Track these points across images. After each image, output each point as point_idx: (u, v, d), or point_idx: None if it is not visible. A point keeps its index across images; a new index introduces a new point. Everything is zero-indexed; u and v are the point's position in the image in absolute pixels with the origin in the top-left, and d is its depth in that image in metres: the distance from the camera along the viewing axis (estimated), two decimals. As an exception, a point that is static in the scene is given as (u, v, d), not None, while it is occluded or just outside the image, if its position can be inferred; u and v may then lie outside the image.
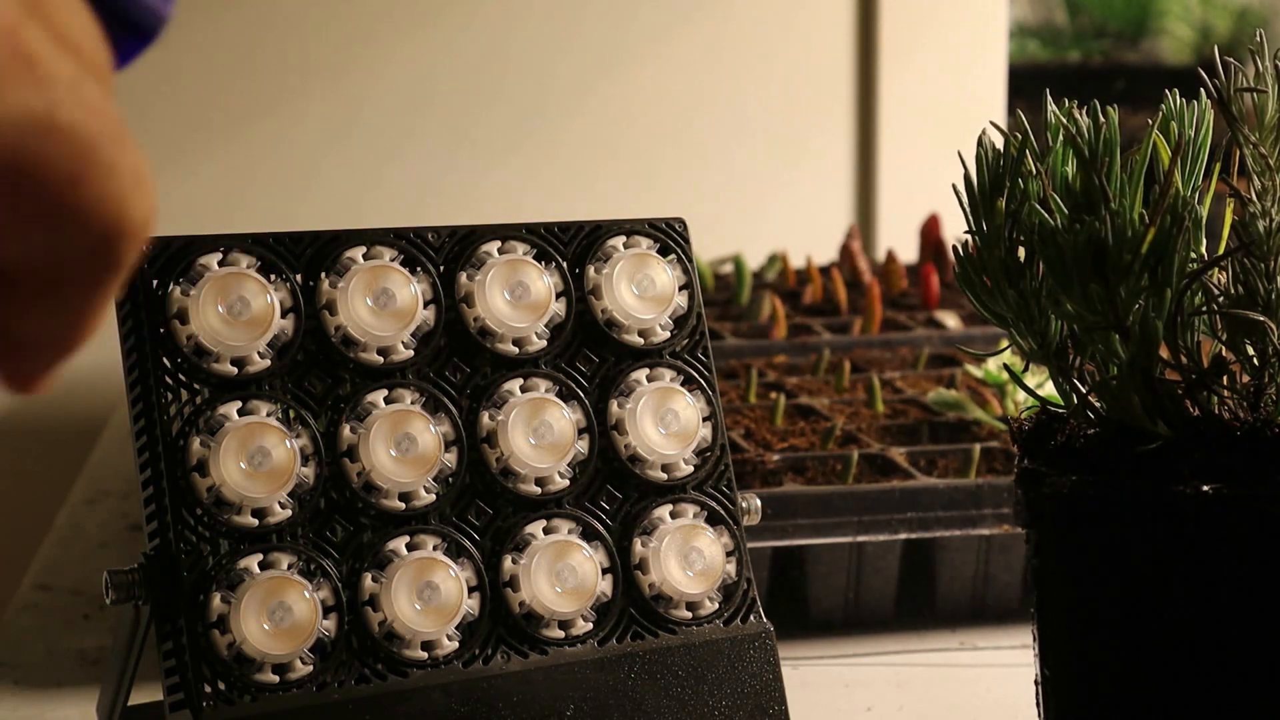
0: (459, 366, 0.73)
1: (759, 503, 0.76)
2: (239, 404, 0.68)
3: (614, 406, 0.74)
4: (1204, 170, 0.63)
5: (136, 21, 0.41)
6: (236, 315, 0.68)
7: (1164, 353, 0.62)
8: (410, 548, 0.69)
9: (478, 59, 1.74)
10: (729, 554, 0.75)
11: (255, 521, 0.67)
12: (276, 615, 0.66)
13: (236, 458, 0.67)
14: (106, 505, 1.25)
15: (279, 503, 0.67)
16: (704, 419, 0.76)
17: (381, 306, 0.71)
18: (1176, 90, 0.63)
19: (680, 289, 0.77)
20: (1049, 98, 0.64)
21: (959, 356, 1.21)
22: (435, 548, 0.70)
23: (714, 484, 0.76)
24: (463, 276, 0.73)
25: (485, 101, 1.75)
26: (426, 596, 0.69)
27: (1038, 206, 0.62)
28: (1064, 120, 0.63)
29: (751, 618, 0.75)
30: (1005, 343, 0.67)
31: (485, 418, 0.72)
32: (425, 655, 0.69)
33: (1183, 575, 0.60)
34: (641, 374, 0.75)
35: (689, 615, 0.73)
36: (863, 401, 1.09)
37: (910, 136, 1.81)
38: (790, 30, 1.80)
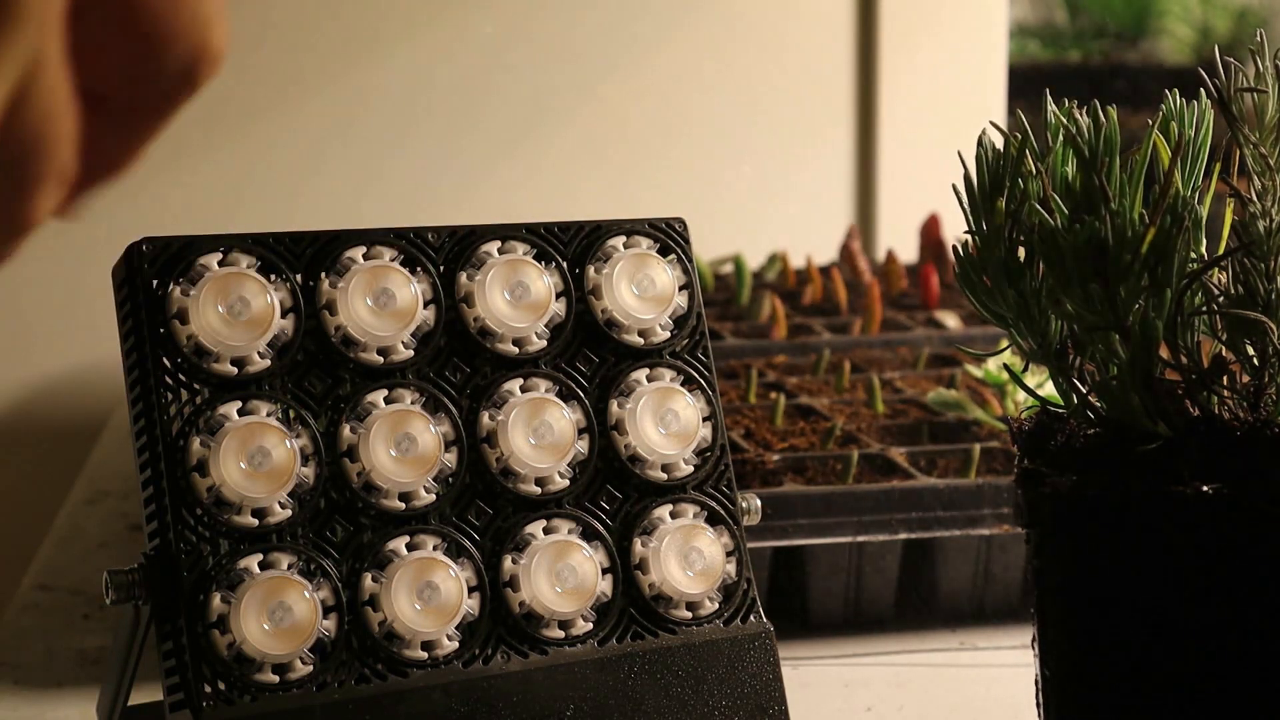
0: (459, 366, 0.73)
1: (759, 503, 0.76)
2: (239, 404, 0.68)
3: (614, 406, 0.74)
4: (1204, 170, 0.63)
5: None
6: (236, 315, 0.68)
7: (1164, 353, 0.62)
8: (410, 548, 0.69)
9: (477, 59, 1.74)
10: (729, 554, 0.75)
11: (255, 521, 0.67)
12: (276, 615, 0.66)
13: (236, 458, 0.67)
14: (106, 505, 1.25)
15: (279, 503, 0.67)
16: (704, 419, 0.76)
17: (381, 306, 0.71)
18: (1176, 90, 0.63)
19: (680, 289, 0.77)
20: (1049, 98, 0.64)
21: (959, 356, 1.21)
22: (435, 548, 0.70)
23: (714, 484, 0.76)
24: (463, 276, 0.73)
25: (485, 101, 1.75)
26: (426, 596, 0.69)
27: (1038, 206, 0.61)
28: (1064, 120, 0.63)
29: (751, 618, 0.75)
30: (1005, 343, 0.67)
31: (485, 418, 0.72)
32: (425, 655, 0.69)
33: (1183, 575, 0.60)
34: (641, 374, 0.75)
35: (689, 615, 0.73)
36: (863, 401, 1.09)
37: (910, 136, 1.81)
38: (790, 30, 1.79)
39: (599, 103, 1.77)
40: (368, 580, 0.68)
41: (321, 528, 0.69)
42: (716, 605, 0.74)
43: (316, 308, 0.70)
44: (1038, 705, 0.67)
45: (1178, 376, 0.62)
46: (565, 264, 0.75)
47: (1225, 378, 0.62)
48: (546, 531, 0.72)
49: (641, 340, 0.75)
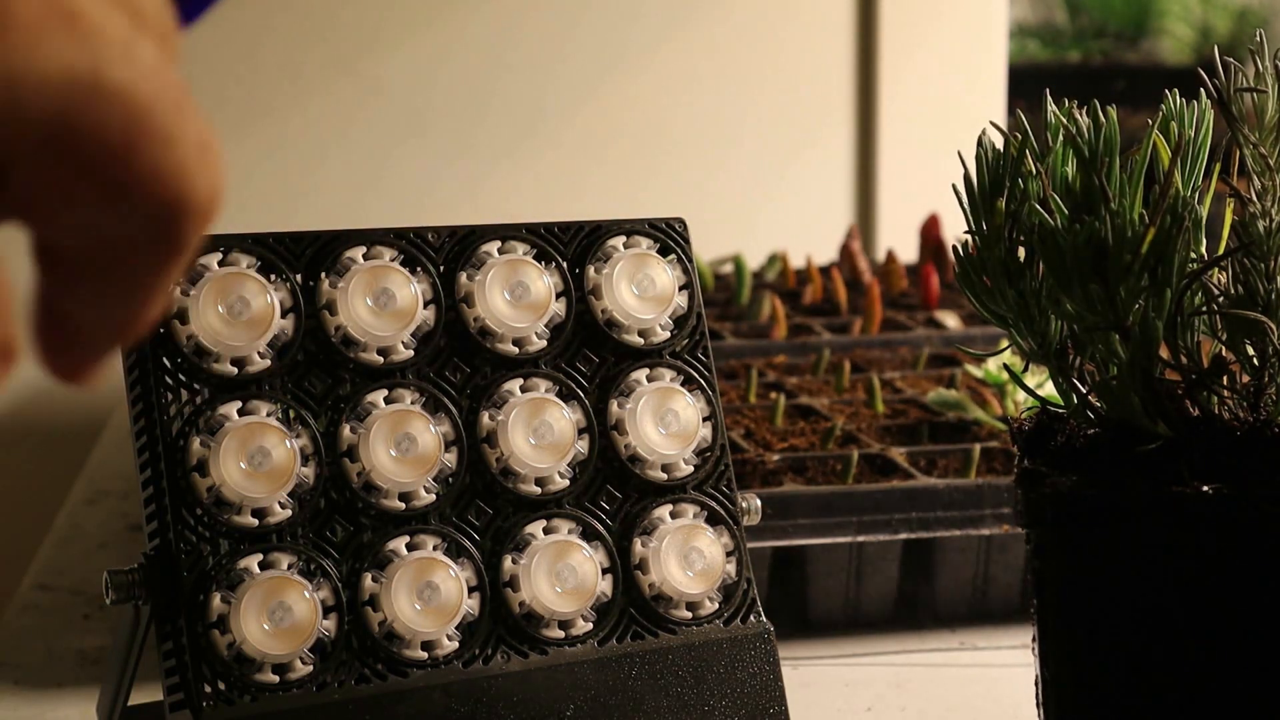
0: (459, 366, 0.73)
1: (759, 503, 0.76)
2: (239, 404, 0.68)
3: (614, 406, 0.74)
4: (1204, 170, 0.63)
5: None
6: (236, 315, 0.68)
7: (1164, 353, 0.62)
8: (410, 548, 0.69)
9: (478, 59, 1.74)
10: (729, 554, 0.75)
11: (255, 521, 0.67)
12: (276, 615, 0.66)
13: (236, 458, 0.67)
14: (106, 505, 1.25)
15: (279, 503, 0.67)
16: (704, 419, 0.76)
17: (381, 306, 0.71)
18: (1176, 90, 0.63)
19: (680, 289, 0.77)
20: (1049, 98, 0.64)
21: (959, 356, 1.21)
22: (435, 548, 0.70)
23: (714, 484, 0.76)
24: (463, 276, 0.73)
25: (485, 101, 1.75)
26: (426, 596, 0.69)
27: (1038, 206, 0.61)
28: (1064, 120, 0.63)
29: (751, 618, 0.74)
30: (1005, 343, 0.67)
31: (485, 418, 0.72)
32: (425, 655, 0.69)
33: (1183, 575, 0.60)
34: (641, 374, 0.75)
35: (689, 615, 0.73)
36: (863, 401, 1.09)
37: (910, 136, 1.81)
38: (790, 31, 1.80)
39: (599, 103, 1.77)
40: (368, 580, 0.68)
41: (321, 528, 0.69)
42: (716, 605, 0.74)
43: (316, 308, 0.70)
44: (1038, 705, 0.67)
45: (1178, 376, 0.62)
46: (565, 264, 0.75)
47: (1225, 378, 0.62)
48: (546, 531, 0.72)
49: (641, 340, 0.75)
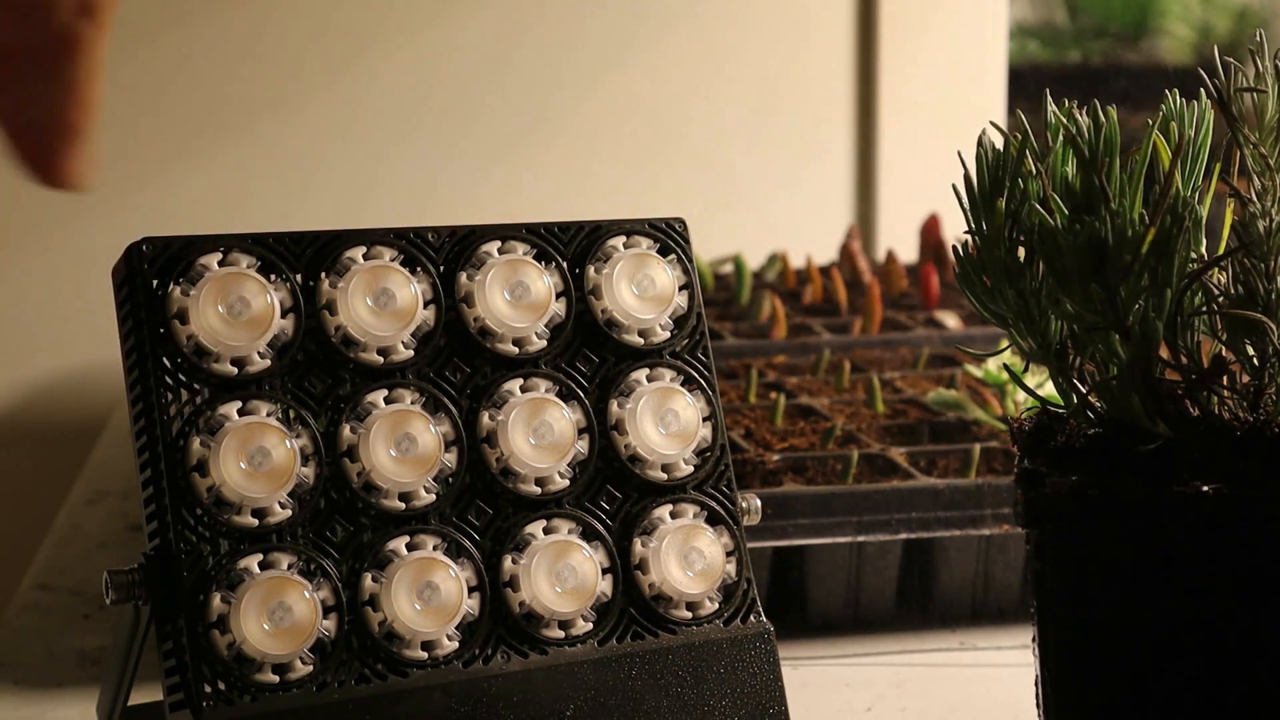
0: (459, 366, 0.73)
1: (759, 503, 0.76)
2: (239, 404, 0.68)
3: (614, 406, 0.74)
4: (1204, 170, 0.63)
5: None
6: (236, 315, 0.68)
7: (1164, 353, 0.62)
8: (410, 548, 0.69)
9: (478, 58, 1.74)
10: (729, 554, 0.75)
11: (255, 521, 0.67)
12: (276, 615, 0.66)
13: (236, 458, 0.67)
14: (106, 505, 1.25)
15: (279, 503, 0.67)
16: (704, 419, 0.76)
17: (381, 306, 0.71)
18: (1176, 90, 0.63)
19: (680, 289, 0.77)
20: (1049, 98, 0.64)
21: (959, 356, 1.21)
22: (435, 548, 0.70)
23: (714, 484, 0.76)
24: (463, 276, 0.73)
25: (485, 101, 1.75)
26: (426, 596, 0.69)
27: (1038, 206, 0.62)
28: (1064, 120, 0.63)
29: (751, 618, 0.75)
30: (1005, 343, 0.67)
31: (485, 418, 0.72)
32: (425, 655, 0.69)
33: (1182, 575, 0.60)
34: (641, 374, 0.75)
35: (689, 615, 0.73)
36: (863, 401, 1.09)
37: (910, 136, 1.81)
38: (790, 30, 1.79)
39: (599, 103, 1.77)
40: (368, 580, 0.68)
41: (321, 528, 0.69)
42: (716, 605, 0.74)
43: (316, 308, 0.70)
44: (1038, 705, 0.67)
45: (1178, 376, 0.62)
46: (565, 264, 0.75)
47: (1225, 378, 0.62)
48: (546, 531, 0.72)
49: (641, 340, 0.75)
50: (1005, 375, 1.05)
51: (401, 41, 1.74)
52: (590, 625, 0.72)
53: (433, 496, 0.70)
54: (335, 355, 0.70)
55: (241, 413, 0.68)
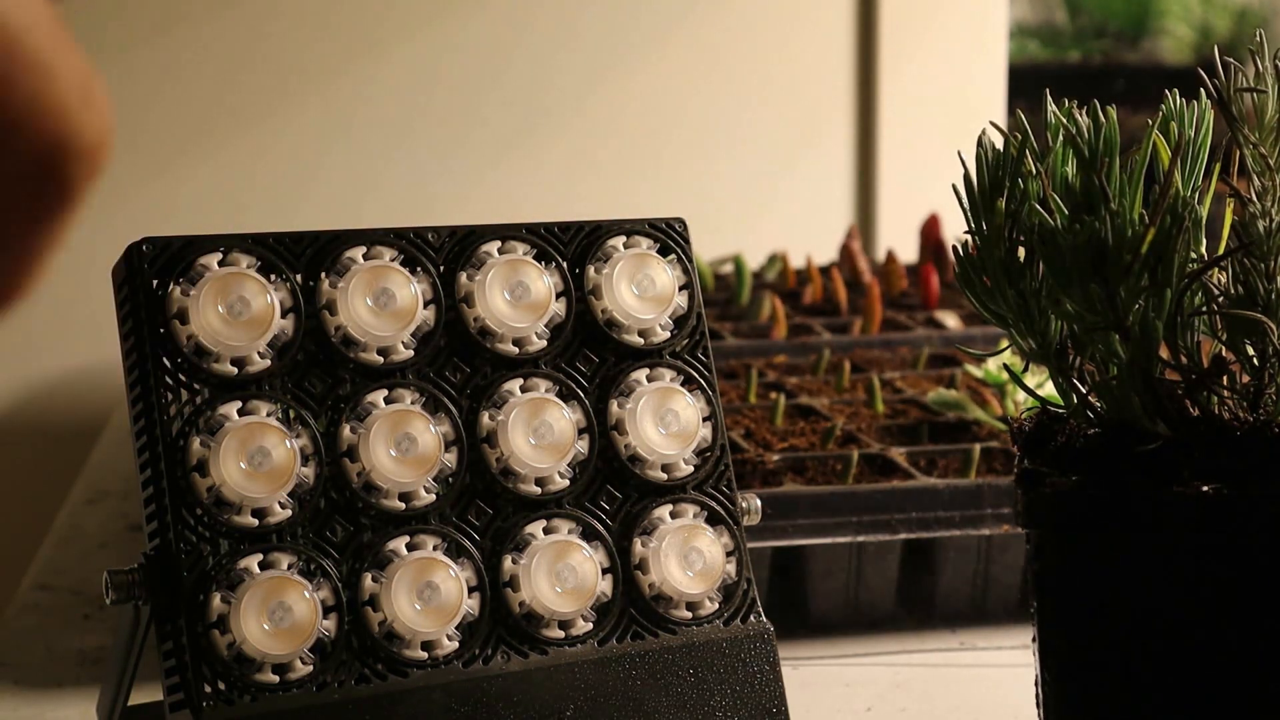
0: (459, 366, 0.73)
1: (759, 503, 0.76)
2: (239, 404, 0.68)
3: (614, 406, 0.74)
4: (1204, 170, 0.63)
5: None
6: (236, 315, 0.68)
7: (1164, 353, 0.62)
8: (410, 548, 0.69)
9: (478, 59, 1.74)
10: (729, 554, 0.75)
11: (255, 521, 0.67)
12: (276, 615, 0.66)
13: (236, 458, 0.67)
14: (106, 505, 1.25)
15: (279, 503, 0.67)
16: (704, 419, 0.76)
17: (381, 306, 0.71)
18: (1176, 90, 0.63)
19: (680, 289, 0.77)
20: (1049, 98, 0.64)
21: (959, 356, 1.21)
22: (435, 548, 0.70)
23: (714, 484, 0.76)
24: (463, 276, 0.73)
25: (485, 101, 1.75)
26: (426, 596, 0.69)
27: (1038, 206, 0.62)
28: (1064, 120, 0.63)
29: (751, 618, 0.75)
30: (1005, 343, 0.67)
31: (485, 418, 0.72)
32: (425, 655, 0.69)
33: (1182, 575, 0.60)
34: (641, 374, 0.75)
35: (689, 615, 0.73)
36: (863, 401, 1.09)
37: (910, 136, 1.81)
38: (790, 30, 1.80)
39: (599, 103, 1.77)
40: (368, 580, 0.68)
41: (321, 528, 0.69)
42: (716, 605, 0.74)
43: (316, 308, 0.70)
44: (1038, 705, 0.67)
45: (1178, 376, 0.62)
46: (565, 264, 0.75)
47: (1225, 378, 0.62)
48: (546, 531, 0.72)
49: (641, 340, 0.75)
50: (1005, 375, 1.05)
51: (401, 42, 1.74)
52: (590, 625, 0.72)
53: (433, 496, 0.70)
54: (335, 355, 0.70)
55: (241, 413, 0.68)
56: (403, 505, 0.70)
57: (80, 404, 1.66)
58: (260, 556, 0.67)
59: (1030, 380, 0.73)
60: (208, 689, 0.65)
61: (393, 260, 0.72)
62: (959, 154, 0.65)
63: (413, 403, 0.71)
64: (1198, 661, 0.61)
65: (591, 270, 0.75)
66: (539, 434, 0.72)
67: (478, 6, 1.74)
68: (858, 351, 1.23)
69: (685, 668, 0.72)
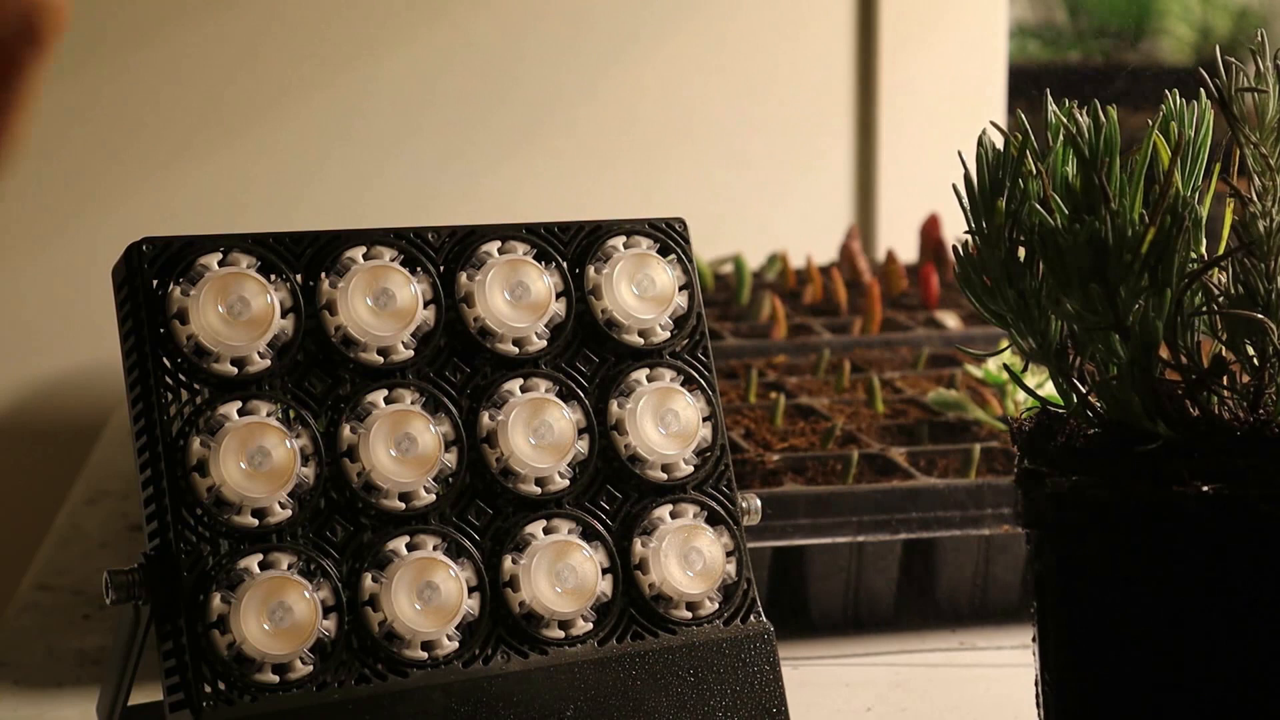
0: (459, 366, 0.73)
1: (759, 503, 0.76)
2: (239, 404, 0.68)
3: (614, 406, 0.74)
4: (1204, 170, 0.63)
5: None
6: (236, 315, 0.68)
7: (1164, 353, 0.62)
8: (410, 548, 0.69)
9: (478, 59, 1.74)
10: (729, 554, 0.75)
11: (255, 521, 0.67)
12: (276, 615, 0.66)
13: (236, 458, 0.67)
14: (106, 505, 1.25)
15: (279, 503, 0.67)
16: (704, 419, 0.76)
17: (381, 306, 0.71)
18: (1176, 90, 0.63)
19: (680, 289, 0.77)
20: (1049, 98, 0.64)
21: (959, 356, 1.21)
22: (435, 548, 0.70)
23: (714, 484, 0.76)
24: (463, 276, 0.73)
25: (486, 101, 1.75)
26: (426, 596, 0.69)
27: (1038, 206, 0.62)
28: (1064, 120, 0.63)
29: (751, 618, 0.75)
30: (1005, 343, 0.67)
31: (485, 418, 0.72)
32: (425, 655, 0.69)
33: (1183, 575, 0.60)
34: (641, 374, 0.75)
35: (689, 615, 0.73)
36: (863, 401, 1.09)
37: (910, 136, 1.80)
38: (790, 31, 1.79)
39: (600, 103, 1.77)
40: (368, 580, 0.68)
41: (321, 528, 0.69)
42: (716, 605, 0.74)
43: (316, 308, 0.70)
44: (1038, 705, 0.67)
45: (1178, 376, 0.62)
46: (565, 264, 0.75)
47: (1225, 378, 0.62)
48: (546, 531, 0.72)
49: (641, 340, 0.75)
50: (1005, 375, 1.05)
51: (401, 42, 1.74)
52: (590, 625, 0.72)
53: (433, 496, 0.70)
54: (335, 355, 0.70)
55: (241, 413, 0.68)
56: (403, 505, 0.70)
57: (80, 404, 1.66)
58: (260, 556, 0.67)
59: (1030, 380, 0.73)
60: (208, 689, 0.65)
61: (393, 260, 0.72)
62: (959, 154, 0.65)
63: (413, 403, 0.71)
64: (1197, 661, 0.61)
65: (591, 270, 0.75)
66: (539, 434, 0.72)
67: (478, 7, 1.74)
68: (858, 351, 1.23)
69: (685, 668, 0.72)
